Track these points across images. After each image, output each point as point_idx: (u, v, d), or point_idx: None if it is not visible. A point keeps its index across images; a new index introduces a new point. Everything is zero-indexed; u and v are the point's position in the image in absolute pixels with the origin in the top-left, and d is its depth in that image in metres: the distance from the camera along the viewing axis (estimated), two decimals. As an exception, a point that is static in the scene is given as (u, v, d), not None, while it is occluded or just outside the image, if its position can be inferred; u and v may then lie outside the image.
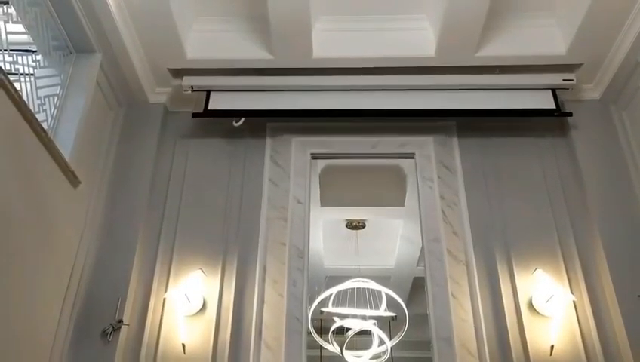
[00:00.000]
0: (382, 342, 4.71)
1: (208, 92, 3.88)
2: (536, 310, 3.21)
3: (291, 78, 3.88)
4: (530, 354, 3.08)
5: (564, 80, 3.75)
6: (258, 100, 3.85)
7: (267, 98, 3.86)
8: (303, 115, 3.85)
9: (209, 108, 3.81)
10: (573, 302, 3.23)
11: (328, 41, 3.79)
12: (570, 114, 3.74)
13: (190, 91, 3.87)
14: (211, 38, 3.85)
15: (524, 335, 3.14)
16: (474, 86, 3.83)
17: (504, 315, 3.23)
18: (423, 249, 3.57)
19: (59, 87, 3.29)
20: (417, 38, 3.80)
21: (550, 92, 3.80)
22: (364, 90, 3.88)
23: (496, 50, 3.72)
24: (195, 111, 3.90)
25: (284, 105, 3.82)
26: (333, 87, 3.88)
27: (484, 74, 3.91)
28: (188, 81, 3.85)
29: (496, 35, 3.74)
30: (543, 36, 3.74)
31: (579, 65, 3.79)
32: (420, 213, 3.67)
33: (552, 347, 3.08)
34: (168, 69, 3.89)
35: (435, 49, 3.69)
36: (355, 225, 5.00)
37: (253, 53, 3.81)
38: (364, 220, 4.98)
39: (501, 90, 3.83)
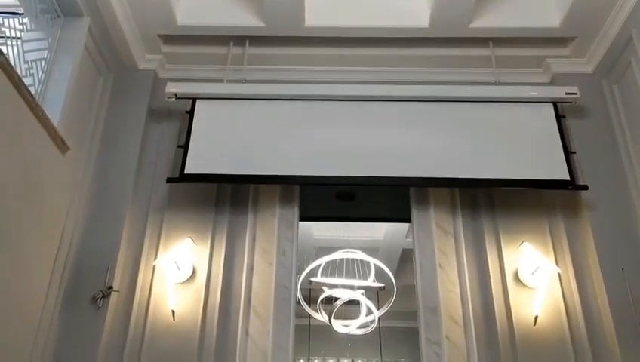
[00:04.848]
0: (370, 312, 4.78)
1: (194, 100, 3.69)
2: (521, 281, 3.26)
3: (281, 86, 3.75)
4: (515, 324, 3.14)
5: (567, 93, 3.59)
6: (243, 140, 3.55)
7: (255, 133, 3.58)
8: (287, 181, 3.53)
9: (185, 172, 3.41)
10: (558, 274, 3.27)
11: (321, 10, 3.75)
12: (585, 187, 3.38)
13: (174, 99, 3.67)
14: (203, 5, 3.79)
15: (509, 305, 3.19)
16: (471, 98, 3.66)
17: (490, 286, 3.28)
18: (411, 220, 3.59)
19: (46, 52, 3.23)
20: (411, 8, 3.77)
21: (552, 105, 3.61)
22: (361, 100, 3.69)
23: (489, 21, 3.71)
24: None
25: (270, 168, 3.46)
26: (324, 97, 3.69)
27: (477, 47, 3.90)
28: (172, 87, 3.66)
29: (491, 7, 3.73)
30: (537, 9, 3.73)
31: (572, 39, 3.78)
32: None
33: (536, 317, 3.13)
34: (158, 35, 3.83)
35: (428, 20, 3.66)
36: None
37: (244, 20, 3.76)
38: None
39: (499, 103, 3.64)
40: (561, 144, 3.49)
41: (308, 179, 3.46)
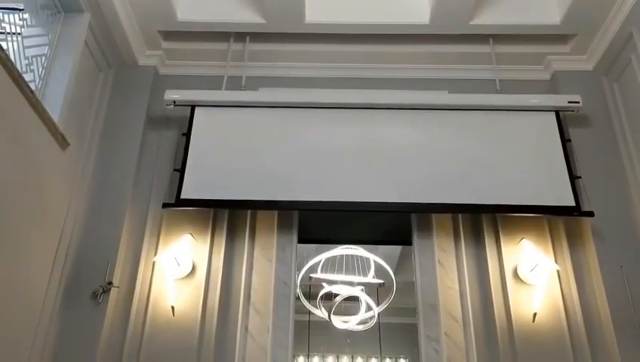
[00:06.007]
0: (369, 308, 4.77)
1: (193, 107, 3.67)
2: (520, 278, 3.27)
3: (280, 94, 3.75)
4: (514, 321, 3.14)
5: (569, 102, 3.55)
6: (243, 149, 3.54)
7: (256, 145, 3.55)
8: (286, 207, 3.49)
9: (182, 196, 3.37)
10: (557, 271, 3.28)
11: (321, 7, 3.76)
12: (591, 214, 3.31)
13: (172, 106, 3.64)
14: (203, 1, 3.78)
15: (508, 302, 3.20)
16: (473, 106, 3.64)
17: (489, 283, 3.28)
18: (411, 217, 3.59)
19: (47, 47, 3.23)
20: (412, 5, 3.77)
21: (554, 114, 3.59)
22: (362, 107, 3.67)
23: (490, 18, 3.71)
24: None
25: (269, 192, 3.41)
26: (325, 105, 3.67)
27: (478, 44, 3.91)
28: (170, 94, 3.64)
29: (491, 4, 3.73)
30: (538, 6, 3.73)
31: (573, 36, 3.78)
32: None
33: (535, 314, 3.14)
34: (158, 30, 3.83)
35: (429, 17, 3.66)
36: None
37: (245, 16, 3.77)
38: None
39: (501, 112, 3.62)
40: (564, 160, 3.45)
41: (307, 204, 3.43)
